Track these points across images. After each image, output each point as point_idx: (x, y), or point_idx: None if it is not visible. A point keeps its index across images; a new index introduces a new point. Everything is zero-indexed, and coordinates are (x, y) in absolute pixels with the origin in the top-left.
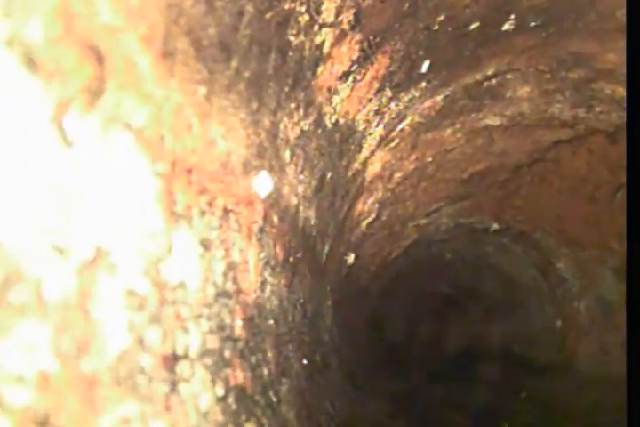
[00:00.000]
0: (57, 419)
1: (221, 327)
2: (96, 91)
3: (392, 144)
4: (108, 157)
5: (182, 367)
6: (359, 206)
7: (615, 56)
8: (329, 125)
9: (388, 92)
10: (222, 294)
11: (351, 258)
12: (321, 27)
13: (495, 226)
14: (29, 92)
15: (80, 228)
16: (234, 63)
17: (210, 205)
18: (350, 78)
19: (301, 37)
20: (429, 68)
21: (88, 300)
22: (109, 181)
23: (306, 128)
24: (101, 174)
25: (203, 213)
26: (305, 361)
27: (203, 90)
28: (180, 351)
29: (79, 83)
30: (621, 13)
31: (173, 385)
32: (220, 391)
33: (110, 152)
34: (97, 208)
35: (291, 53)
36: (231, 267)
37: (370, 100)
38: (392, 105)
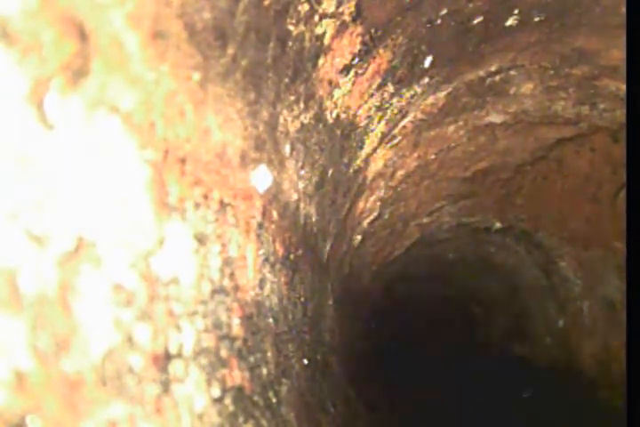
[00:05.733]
0: (34, 422)
1: (218, 325)
2: (79, 70)
3: (394, 141)
4: (92, 141)
5: (175, 367)
6: (361, 204)
7: (620, 52)
8: (330, 120)
9: (390, 88)
10: (219, 290)
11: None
12: (321, 17)
13: (498, 225)
14: (2, 65)
15: (60, 216)
16: (230, 50)
17: (205, 197)
18: (352, 72)
19: (301, 27)
20: (432, 63)
21: (69, 294)
22: (93, 166)
23: (306, 122)
24: (84, 159)
25: (197, 205)
26: (305, 361)
27: (197, 76)
28: (172, 350)
29: (59, 59)
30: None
31: (165, 386)
32: (217, 392)
33: (95, 136)
34: (79, 195)
35: (290, 43)
36: (228, 263)
37: (372, 95)
38: (394, 101)
